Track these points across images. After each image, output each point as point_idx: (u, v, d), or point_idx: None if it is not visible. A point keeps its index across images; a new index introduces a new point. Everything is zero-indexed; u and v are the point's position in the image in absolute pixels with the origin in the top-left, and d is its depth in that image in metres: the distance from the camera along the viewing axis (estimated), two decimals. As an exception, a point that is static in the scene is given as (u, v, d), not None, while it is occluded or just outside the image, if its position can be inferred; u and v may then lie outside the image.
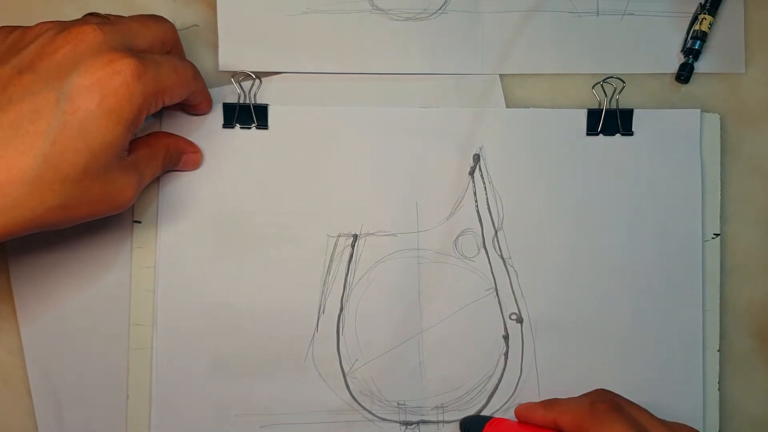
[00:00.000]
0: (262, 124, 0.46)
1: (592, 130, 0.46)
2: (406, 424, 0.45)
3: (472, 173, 0.46)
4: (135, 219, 0.45)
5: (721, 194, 0.47)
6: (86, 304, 0.45)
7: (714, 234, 0.46)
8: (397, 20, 0.47)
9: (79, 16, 0.41)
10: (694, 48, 0.47)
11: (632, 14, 0.48)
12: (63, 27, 0.38)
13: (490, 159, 0.46)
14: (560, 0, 0.47)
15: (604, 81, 0.46)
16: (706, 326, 0.46)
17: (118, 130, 0.37)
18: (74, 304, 0.45)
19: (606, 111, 0.46)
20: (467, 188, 0.46)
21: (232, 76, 0.46)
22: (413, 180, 0.46)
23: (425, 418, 0.45)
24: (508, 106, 0.47)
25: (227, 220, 0.45)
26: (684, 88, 0.47)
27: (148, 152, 0.42)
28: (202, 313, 0.45)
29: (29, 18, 0.43)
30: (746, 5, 0.48)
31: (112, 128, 0.37)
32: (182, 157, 0.45)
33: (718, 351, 0.46)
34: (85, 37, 0.37)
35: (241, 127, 0.46)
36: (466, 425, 0.44)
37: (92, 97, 0.36)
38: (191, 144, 0.45)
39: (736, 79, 0.48)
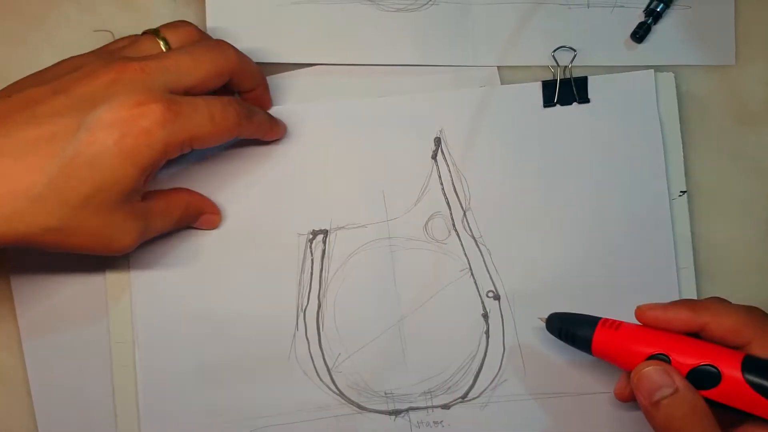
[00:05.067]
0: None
1: (548, 102, 0.46)
2: (395, 413, 0.45)
3: (434, 157, 0.46)
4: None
5: (721, 195, 0.47)
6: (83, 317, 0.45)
7: (680, 192, 0.47)
8: (388, 11, 0.47)
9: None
10: (656, 10, 0.47)
11: (623, 6, 0.48)
12: (111, 58, 0.38)
13: (450, 141, 0.46)
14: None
15: (555, 51, 0.47)
16: (681, 284, 0.46)
17: (130, 172, 0.37)
18: (72, 313, 0.45)
19: (561, 81, 0.46)
20: (431, 172, 0.46)
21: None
22: (377, 170, 0.46)
23: (414, 404, 0.45)
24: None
25: (196, 229, 0.45)
26: (686, 88, 0.47)
27: (163, 205, 0.42)
28: (182, 323, 0.45)
29: (29, 17, 0.43)
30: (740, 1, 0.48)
31: (123, 168, 0.37)
32: (200, 216, 0.44)
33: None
34: (124, 73, 0.37)
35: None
36: (560, 324, 0.40)
37: (111, 134, 0.36)
38: (212, 205, 0.45)
39: (736, 78, 0.48)
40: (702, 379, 0.35)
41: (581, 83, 0.46)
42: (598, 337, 0.38)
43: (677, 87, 0.47)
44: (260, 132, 0.44)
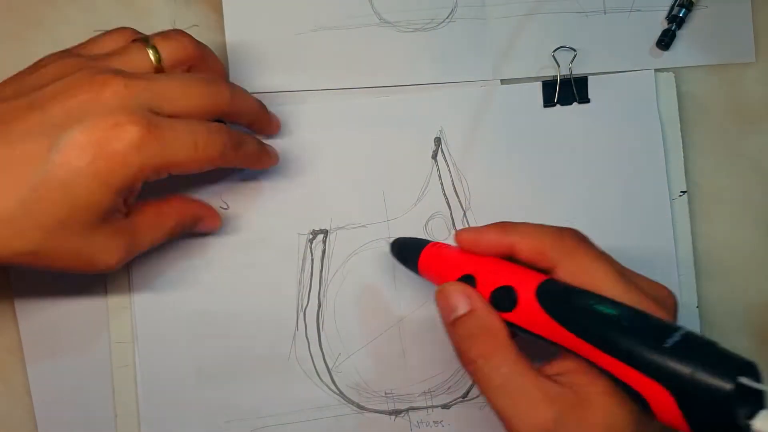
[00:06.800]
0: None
1: (548, 102, 0.46)
2: (395, 413, 0.45)
3: (434, 157, 0.46)
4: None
5: (721, 195, 0.47)
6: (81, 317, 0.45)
7: (681, 192, 0.47)
8: (406, 32, 0.47)
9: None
10: (678, 16, 0.47)
11: (639, 10, 0.48)
12: (95, 69, 0.36)
13: (450, 141, 0.46)
14: (567, 0, 0.47)
15: (555, 51, 0.47)
16: (681, 284, 0.46)
17: (104, 194, 0.35)
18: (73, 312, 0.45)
19: (561, 81, 0.46)
20: (431, 172, 0.46)
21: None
22: (377, 170, 0.46)
23: (414, 405, 0.45)
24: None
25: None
26: (685, 88, 0.47)
27: (152, 219, 0.40)
28: (182, 323, 0.45)
29: (29, 16, 0.44)
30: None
31: (97, 191, 0.35)
32: (198, 223, 0.43)
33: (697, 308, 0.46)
34: (105, 90, 0.35)
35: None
36: (399, 247, 0.42)
37: (84, 156, 0.34)
38: (208, 208, 0.43)
39: (736, 78, 0.48)
40: (502, 300, 0.34)
41: (581, 83, 0.46)
42: (423, 258, 0.39)
43: (677, 87, 0.47)
44: (246, 162, 0.41)
